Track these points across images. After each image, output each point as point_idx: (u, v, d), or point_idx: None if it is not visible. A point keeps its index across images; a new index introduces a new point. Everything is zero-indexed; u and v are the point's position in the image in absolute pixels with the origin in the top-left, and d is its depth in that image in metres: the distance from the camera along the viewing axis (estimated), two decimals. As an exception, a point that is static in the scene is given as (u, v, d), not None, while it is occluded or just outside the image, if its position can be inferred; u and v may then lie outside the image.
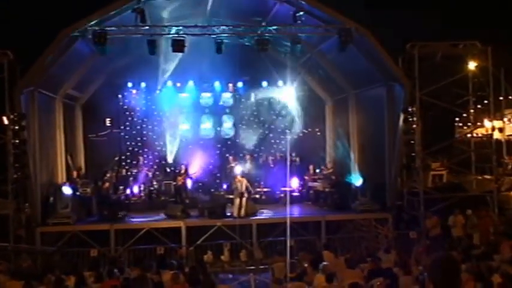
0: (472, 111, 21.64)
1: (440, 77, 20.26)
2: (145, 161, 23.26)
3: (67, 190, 18.74)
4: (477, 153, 21.28)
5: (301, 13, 17.25)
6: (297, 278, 12.35)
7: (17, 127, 17.36)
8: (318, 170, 22.64)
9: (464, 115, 26.82)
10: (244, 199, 19.02)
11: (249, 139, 24.25)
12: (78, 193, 19.55)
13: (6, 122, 17.78)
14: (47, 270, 13.75)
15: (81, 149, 23.21)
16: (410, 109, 18.61)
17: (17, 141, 17.45)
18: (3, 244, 17.08)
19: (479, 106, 23.29)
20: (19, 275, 13.49)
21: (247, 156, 23.10)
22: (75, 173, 21.03)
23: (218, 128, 24.28)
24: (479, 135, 25.97)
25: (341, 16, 17.44)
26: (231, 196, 19.61)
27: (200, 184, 22.47)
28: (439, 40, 20.05)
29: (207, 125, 24.09)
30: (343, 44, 17.21)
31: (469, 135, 23.12)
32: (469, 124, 24.65)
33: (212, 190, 22.01)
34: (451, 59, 20.35)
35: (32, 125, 17.84)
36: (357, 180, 20.12)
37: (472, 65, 20.45)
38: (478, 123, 24.46)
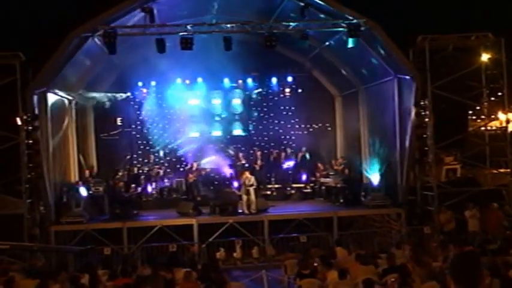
0: (485, 103, 21.43)
1: (453, 70, 20.06)
2: (157, 159, 23.34)
3: (82, 191, 18.93)
4: (491, 147, 21.06)
5: (309, 8, 17.16)
6: (310, 275, 12.30)
7: (30, 127, 17.56)
8: (329, 166, 22.56)
9: (478, 108, 26.56)
10: (251, 196, 19.01)
11: (259, 135, 24.25)
12: (90, 192, 19.70)
13: (19, 122, 17.95)
14: (61, 269, 13.84)
15: (93, 148, 23.31)
16: (422, 103, 18.45)
17: (30, 141, 17.65)
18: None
19: (492, 98, 23.01)
20: (34, 273, 13.62)
21: (258, 153, 23.09)
22: (87, 172, 21.18)
23: (228, 133, 24.22)
24: (494, 128, 25.63)
25: (349, 10, 17.30)
26: (241, 193, 19.60)
27: (211, 181, 22.49)
28: (451, 32, 19.85)
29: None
30: (351, 38, 17.10)
31: (483, 128, 22.91)
32: (483, 117, 24.41)
33: (223, 187, 22.01)
34: (463, 51, 20.15)
35: (45, 126, 17.99)
36: (374, 177, 19.98)
37: (484, 57, 20.23)
38: (492, 116, 24.17)
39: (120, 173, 21.28)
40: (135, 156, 23.64)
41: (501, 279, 10.01)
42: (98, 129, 23.49)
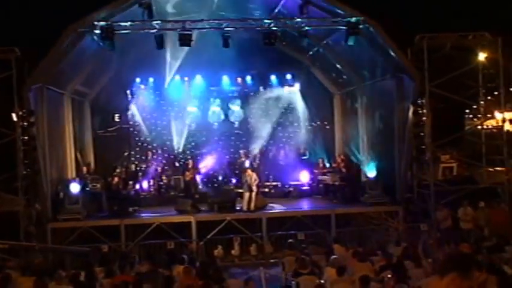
0: (482, 102, 21.49)
1: (450, 69, 20.10)
2: (155, 156, 23.31)
3: (75, 187, 18.78)
4: (488, 145, 21.11)
5: (309, 6, 17.16)
6: (310, 273, 12.32)
7: (26, 123, 17.40)
8: (327, 164, 22.60)
9: (475, 107, 26.63)
10: (253, 193, 19.02)
11: (258, 133, 24.23)
12: (88, 189, 19.62)
13: (15, 118, 17.81)
14: (58, 266, 13.80)
15: (90, 145, 23.27)
16: (419, 101, 18.51)
17: (26, 137, 17.49)
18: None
19: (489, 98, 23.10)
20: (30, 271, 13.55)
21: (257, 150, 23.09)
22: (84, 169, 21.14)
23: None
24: (490, 126, 25.77)
25: (348, 8, 17.33)
26: (240, 190, 19.61)
27: (209, 178, 22.47)
28: (449, 31, 19.89)
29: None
30: (350, 36, 17.12)
31: (479, 127, 22.96)
32: (479, 116, 24.45)
33: (222, 184, 21.99)
34: (461, 51, 20.20)
35: (41, 122, 17.86)
36: (371, 172, 20.06)
37: (481, 56, 20.28)
38: (489, 115, 24.27)
39: (117, 170, 21.23)
40: (132, 153, 23.60)
41: (497, 275, 10.02)
42: (95, 125, 23.44)
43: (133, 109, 23.40)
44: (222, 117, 24.06)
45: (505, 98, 20.65)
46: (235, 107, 24.15)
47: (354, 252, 13.40)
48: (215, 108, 23.98)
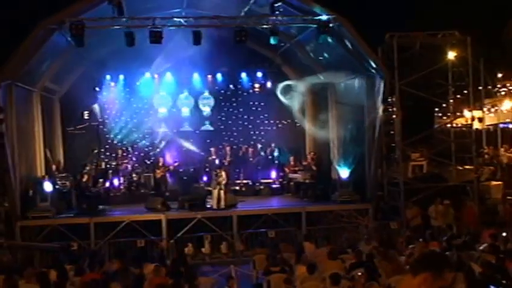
0: (451, 101, 21.80)
1: (420, 67, 20.34)
2: (125, 154, 23.10)
3: (48, 185, 18.57)
4: (457, 143, 21.46)
5: (279, 3, 17.16)
6: (281, 271, 12.38)
7: (-6, 120, 17.15)
8: (298, 162, 22.67)
9: (444, 105, 27.01)
10: (222, 191, 19.00)
11: (228, 130, 24.23)
12: (57, 186, 19.39)
13: (-17, 115, 17.52)
14: (28, 264, 13.63)
15: (59, 142, 22.94)
16: (389, 99, 18.68)
17: (-5, 134, 17.25)
18: None
19: (458, 96, 23.44)
20: (-1, 269, 13.38)
21: (227, 148, 23.08)
22: (54, 167, 20.85)
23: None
24: (459, 125, 26.14)
25: (319, 6, 17.38)
26: (210, 188, 19.56)
27: (180, 176, 22.38)
28: (418, 30, 20.12)
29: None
30: (321, 34, 17.18)
31: (448, 125, 23.28)
32: (449, 114, 24.79)
33: (192, 182, 21.93)
34: (430, 49, 20.45)
35: (10, 119, 17.57)
36: (341, 170, 20.16)
37: (451, 55, 20.56)
38: (458, 113, 24.62)
39: (87, 168, 21.00)
40: (102, 150, 23.33)
41: (466, 273, 10.18)
42: (64, 122, 23.14)
43: (102, 107, 23.15)
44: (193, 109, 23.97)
45: (474, 96, 20.97)
46: (206, 95, 24.01)
47: (324, 251, 13.48)
48: (185, 96, 23.84)
